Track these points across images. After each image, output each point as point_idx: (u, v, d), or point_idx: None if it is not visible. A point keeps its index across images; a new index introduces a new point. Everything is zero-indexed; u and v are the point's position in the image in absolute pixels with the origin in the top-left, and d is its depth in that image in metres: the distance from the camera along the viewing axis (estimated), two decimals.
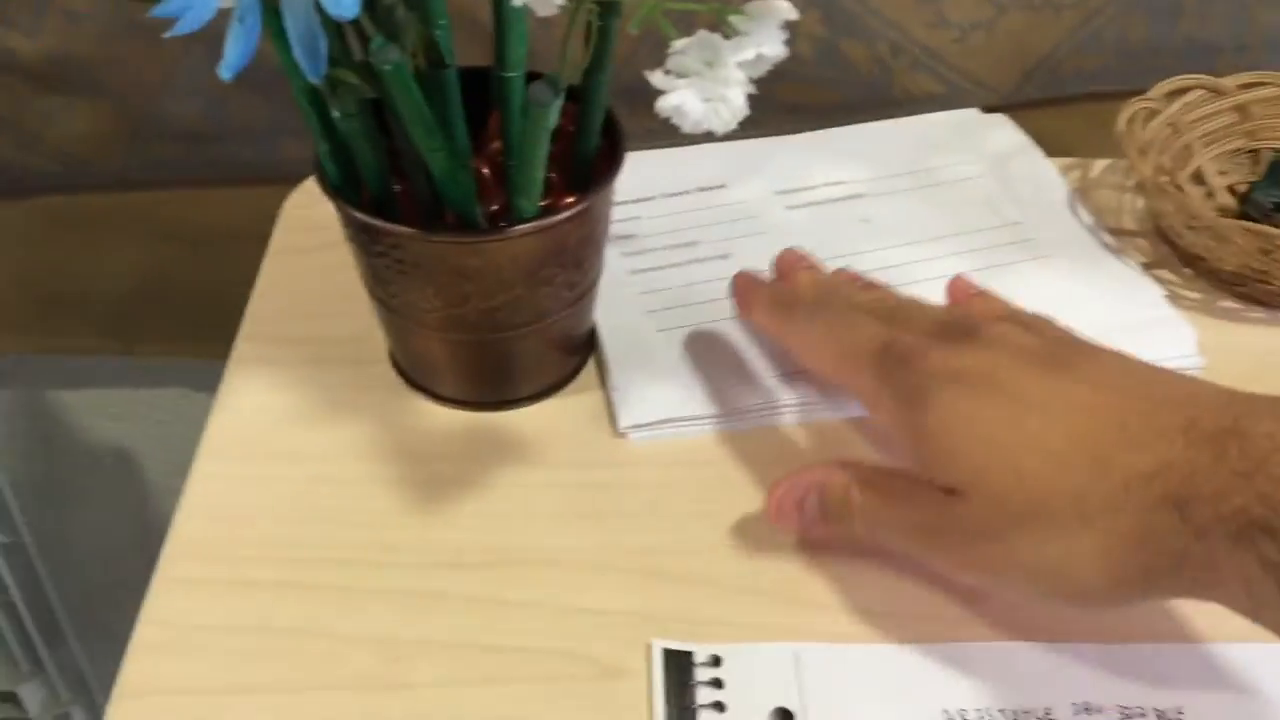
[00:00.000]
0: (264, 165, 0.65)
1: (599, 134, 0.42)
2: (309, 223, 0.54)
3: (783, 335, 0.45)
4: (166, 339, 0.75)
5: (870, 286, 0.45)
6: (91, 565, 0.95)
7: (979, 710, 0.35)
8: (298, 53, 0.32)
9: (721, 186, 0.56)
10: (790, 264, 0.47)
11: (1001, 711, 0.35)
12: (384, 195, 0.41)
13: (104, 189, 0.66)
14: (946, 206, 0.55)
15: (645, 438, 0.45)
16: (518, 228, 0.39)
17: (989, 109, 0.60)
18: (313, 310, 0.50)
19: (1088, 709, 0.35)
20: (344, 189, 0.41)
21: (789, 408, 0.46)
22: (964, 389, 0.36)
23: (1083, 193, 0.56)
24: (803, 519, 0.39)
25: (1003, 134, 0.59)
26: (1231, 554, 0.30)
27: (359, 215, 0.40)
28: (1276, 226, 0.48)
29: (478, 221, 0.40)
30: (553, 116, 0.36)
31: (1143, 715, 0.35)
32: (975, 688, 0.36)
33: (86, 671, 0.92)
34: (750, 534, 0.41)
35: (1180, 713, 0.35)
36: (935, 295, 0.44)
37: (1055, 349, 0.37)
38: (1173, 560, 0.32)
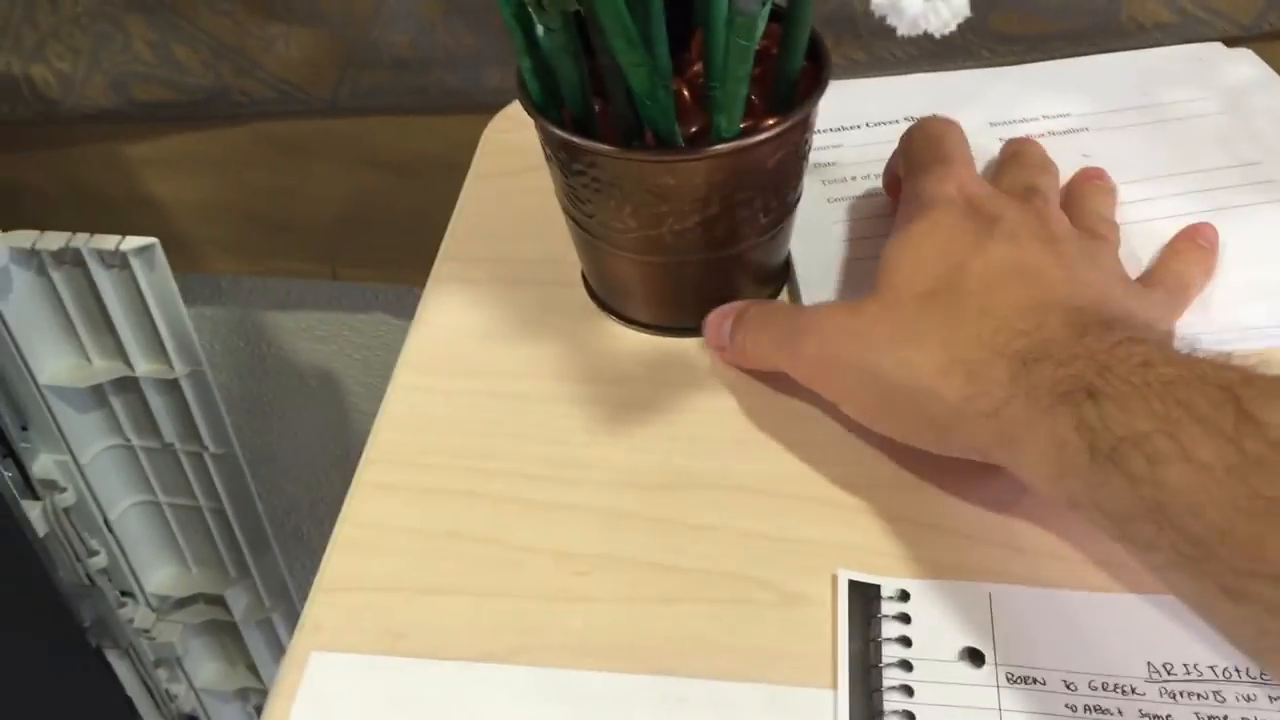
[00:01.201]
0: (469, 93, 0.66)
1: (803, 54, 0.41)
2: (510, 147, 0.55)
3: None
4: (370, 264, 0.78)
5: None
6: (295, 480, 1.00)
7: (1187, 664, 0.33)
8: None
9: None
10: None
11: (1211, 667, 0.33)
12: (584, 114, 0.41)
13: (316, 115, 0.69)
14: (1176, 143, 0.51)
15: None
16: (716, 147, 0.39)
17: (1228, 41, 0.56)
18: (510, 232, 0.51)
19: None
20: (545, 107, 0.41)
21: None
22: (948, 215, 0.39)
23: None
24: (719, 340, 0.43)
25: (1244, 68, 0.54)
26: (1049, 413, 0.32)
27: (559, 132, 0.40)
28: None
29: (676, 141, 0.39)
30: (758, 28, 0.35)
31: None
32: (1183, 640, 0.34)
33: (288, 580, 0.97)
34: (945, 472, 0.40)
35: None
36: (1159, 237, 0.42)
37: (1062, 236, 0.40)
38: (992, 404, 0.34)
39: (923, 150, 0.44)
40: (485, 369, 0.45)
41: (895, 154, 0.47)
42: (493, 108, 0.58)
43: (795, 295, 0.46)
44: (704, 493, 0.40)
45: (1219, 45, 0.55)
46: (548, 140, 0.41)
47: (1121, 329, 0.33)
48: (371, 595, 0.38)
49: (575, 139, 0.39)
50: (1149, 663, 0.33)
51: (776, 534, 0.39)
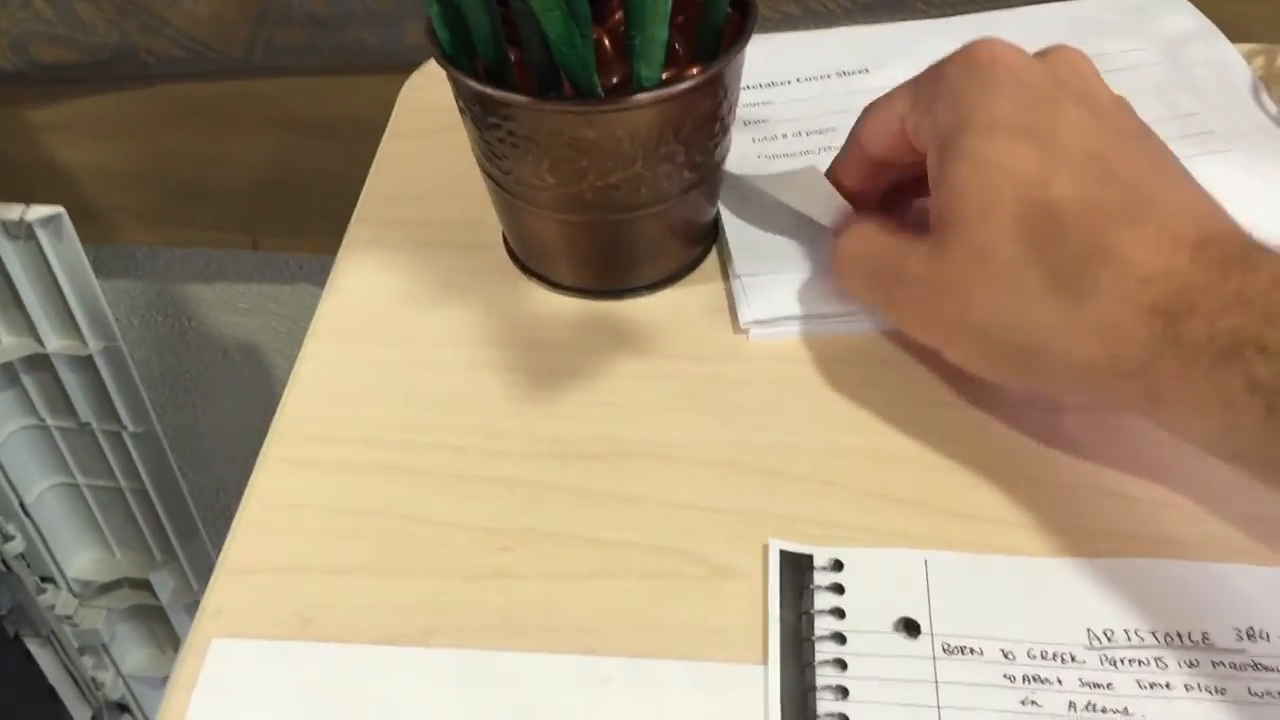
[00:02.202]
0: (389, 51, 0.63)
1: (727, 2, 0.39)
2: (429, 105, 0.53)
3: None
4: (292, 233, 0.75)
5: None
6: (220, 457, 0.97)
7: (1128, 630, 0.32)
8: None
9: (864, 71, 0.52)
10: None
11: (1153, 633, 0.32)
12: (498, 64, 0.39)
13: (229, 76, 0.66)
14: None
15: (767, 334, 0.42)
16: (637, 96, 0.36)
17: None
18: (428, 194, 0.48)
19: (1250, 635, 0.32)
20: (457, 57, 0.39)
21: None
22: (1007, 132, 0.34)
23: (1269, 81, 0.50)
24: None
25: (1180, 17, 0.53)
26: (1212, 371, 0.29)
27: (470, 83, 0.37)
28: None
29: (595, 91, 0.37)
30: None
31: None
32: (1124, 606, 0.33)
33: (216, 562, 0.94)
34: (877, 437, 0.38)
35: None
36: None
37: (1114, 119, 0.36)
38: (1136, 363, 0.31)
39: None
40: (401, 337, 0.43)
41: (844, 156, 0.42)
42: (414, 66, 0.55)
43: (725, 255, 0.44)
44: (632, 462, 0.38)
45: None
46: (460, 92, 0.39)
47: (1264, 263, 0.30)
48: (278, 577, 0.36)
49: (487, 89, 0.37)
50: (1089, 629, 0.32)
51: (706, 504, 0.37)
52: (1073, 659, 0.32)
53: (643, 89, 0.37)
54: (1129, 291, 0.31)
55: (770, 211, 0.45)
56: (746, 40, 0.38)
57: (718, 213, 0.45)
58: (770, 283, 0.43)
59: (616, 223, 0.41)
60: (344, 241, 0.47)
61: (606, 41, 0.41)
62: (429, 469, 0.38)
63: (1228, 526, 0.35)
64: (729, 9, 0.39)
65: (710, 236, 0.45)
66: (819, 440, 0.39)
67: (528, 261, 0.44)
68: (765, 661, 0.33)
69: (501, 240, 0.45)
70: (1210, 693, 0.31)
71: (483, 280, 0.45)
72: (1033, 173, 0.33)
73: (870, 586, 0.34)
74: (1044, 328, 0.33)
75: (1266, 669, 0.31)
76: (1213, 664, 0.31)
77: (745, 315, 0.42)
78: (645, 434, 0.39)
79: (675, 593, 0.35)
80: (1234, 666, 0.31)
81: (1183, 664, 0.31)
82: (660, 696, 0.32)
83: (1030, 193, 0.33)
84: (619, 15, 0.41)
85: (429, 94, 0.53)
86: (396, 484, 0.38)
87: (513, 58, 0.39)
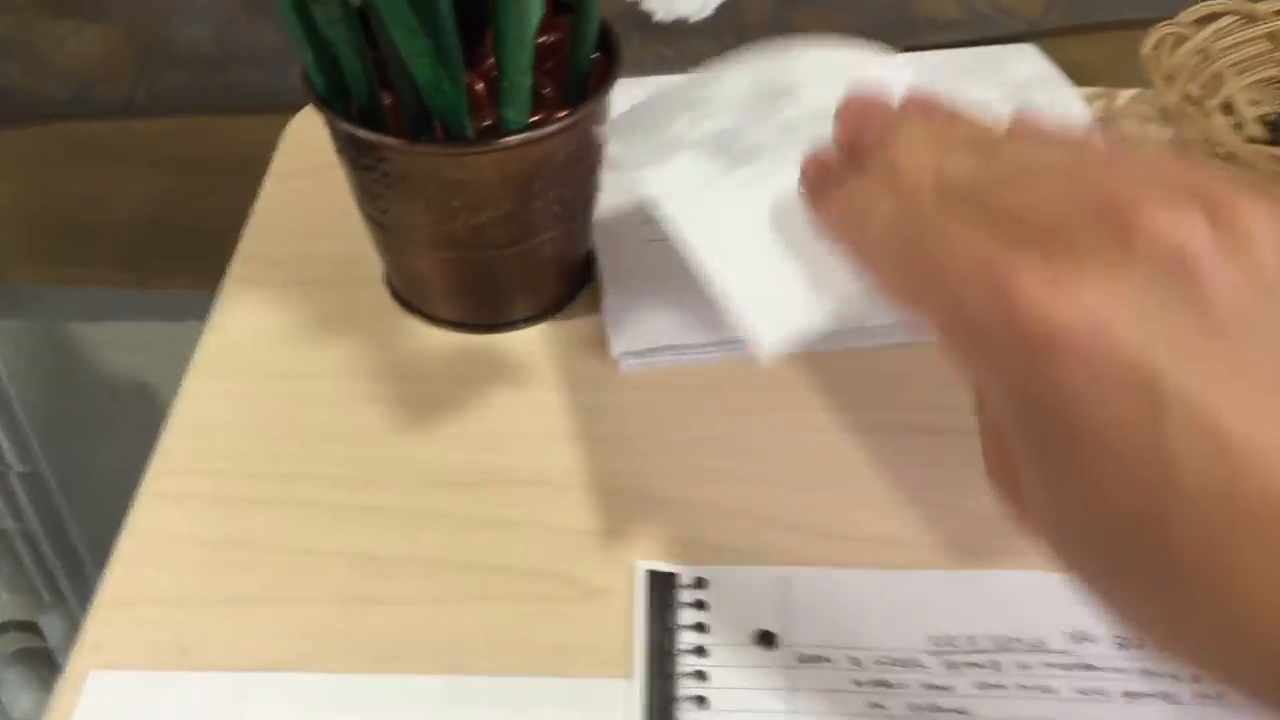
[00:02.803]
0: (274, 92, 0.64)
1: (593, 46, 0.41)
2: (311, 146, 0.53)
3: (860, 261, 0.29)
4: (179, 271, 0.75)
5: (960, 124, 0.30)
6: (110, 497, 0.96)
7: (969, 637, 0.34)
8: None
9: None
10: (856, 129, 0.31)
11: (991, 638, 0.34)
12: (372, 107, 0.40)
13: (114, 116, 0.66)
14: None
15: (639, 365, 0.44)
16: (505, 139, 0.38)
17: (1015, 37, 0.58)
18: (309, 232, 0.49)
19: (1079, 638, 0.34)
20: (332, 100, 0.40)
21: None
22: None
23: (1108, 122, 0.54)
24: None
25: (1027, 63, 0.57)
26: None
27: (345, 126, 0.39)
28: None
29: (465, 133, 0.39)
30: (533, 10, 0.35)
31: (1141, 646, 0.34)
32: (964, 614, 0.35)
33: None
34: (741, 460, 0.40)
35: None
36: None
37: None
38: None
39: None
40: (281, 372, 0.44)
41: None
42: (299, 106, 0.56)
43: (600, 288, 0.46)
44: (507, 489, 0.40)
45: (1002, 47, 0.58)
46: (336, 134, 0.40)
47: None
48: (155, 609, 0.36)
49: (360, 132, 0.38)
50: (930, 636, 0.34)
51: (578, 527, 0.39)
52: (916, 664, 0.34)
53: (510, 132, 0.38)
54: None
55: (643, 246, 0.47)
56: (611, 84, 0.40)
57: (592, 246, 0.47)
58: (641, 315, 0.44)
59: (490, 259, 0.42)
60: (226, 278, 0.48)
61: (480, 86, 0.42)
62: (307, 499, 0.39)
63: None
64: (597, 54, 0.41)
65: (585, 271, 0.47)
66: (685, 465, 0.40)
67: (407, 297, 0.46)
68: (631, 675, 0.34)
69: (381, 277, 0.47)
70: (1041, 691, 0.33)
71: (362, 316, 0.46)
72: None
73: (730, 602, 0.36)
74: None
75: (1094, 669, 0.34)
76: (1045, 665, 0.34)
77: (617, 346, 0.44)
78: (520, 461, 0.41)
79: (546, 613, 0.36)
80: (1064, 667, 0.34)
81: (1017, 666, 0.34)
82: (527, 712, 0.34)
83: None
84: (491, 60, 0.42)
85: (311, 135, 0.54)
86: (274, 515, 0.39)
87: (388, 101, 0.41)
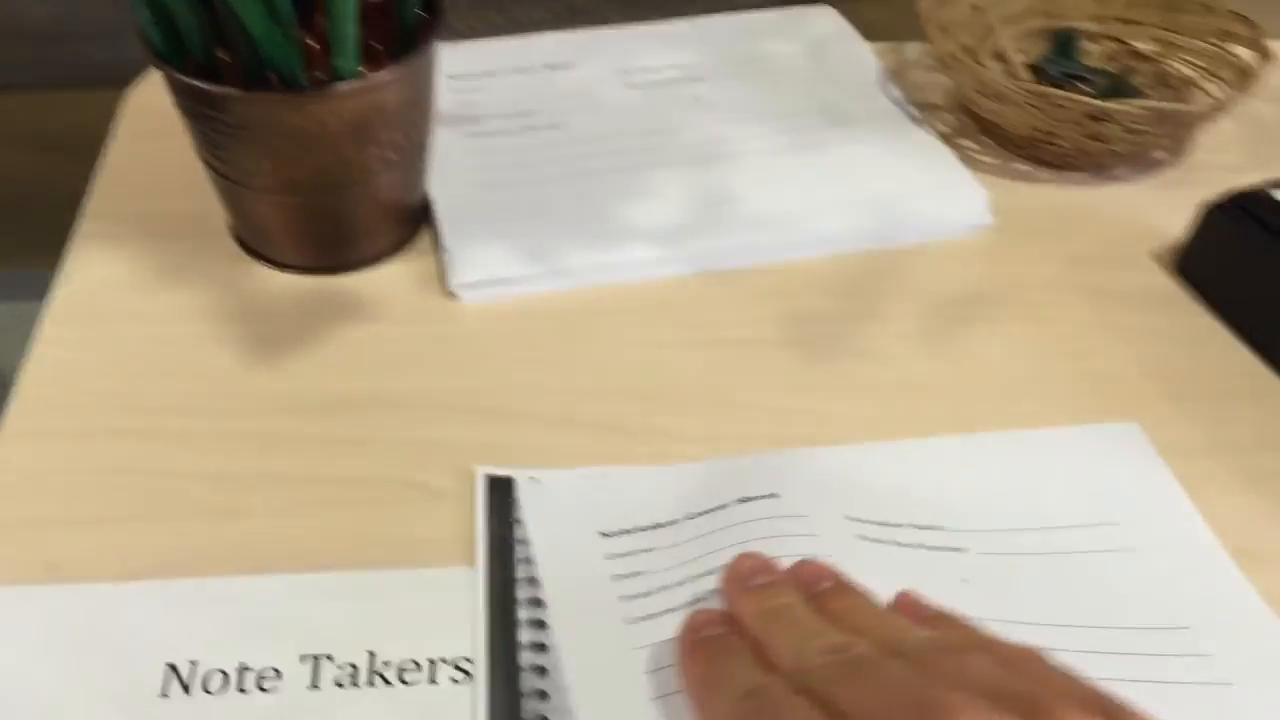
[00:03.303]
0: (114, 66, 0.65)
1: (415, 4, 0.44)
2: (155, 110, 0.55)
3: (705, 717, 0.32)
4: (26, 248, 0.75)
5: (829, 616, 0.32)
6: None
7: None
8: None
9: (568, 66, 0.59)
10: (738, 588, 0.34)
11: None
12: (209, 62, 0.43)
13: None
14: (770, 89, 0.58)
15: (475, 297, 0.47)
16: (337, 86, 0.42)
17: None
18: (155, 191, 0.52)
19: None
20: (170, 57, 0.43)
21: (616, 266, 0.49)
22: None
23: (895, 73, 0.59)
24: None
25: (825, 22, 0.62)
26: None
27: (182, 78, 0.41)
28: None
29: (299, 82, 0.42)
30: None
31: None
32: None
33: None
34: (570, 375, 0.44)
35: None
36: (760, 170, 0.48)
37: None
38: None
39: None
40: (134, 316, 0.46)
41: None
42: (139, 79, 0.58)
43: (437, 230, 0.50)
44: (355, 411, 0.43)
45: (810, 6, 0.63)
46: (175, 89, 0.43)
47: None
48: (21, 531, 0.38)
49: (198, 83, 0.41)
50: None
51: (423, 440, 0.42)
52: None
53: (341, 79, 0.42)
54: None
55: (476, 188, 0.51)
56: (434, 37, 0.44)
57: (428, 193, 0.50)
58: (476, 250, 0.48)
59: (329, 202, 0.45)
60: (75, 234, 0.50)
61: (316, 44, 0.45)
62: (165, 430, 0.42)
63: None
64: (420, 12, 0.45)
65: (421, 216, 0.50)
66: (520, 382, 0.44)
67: (252, 244, 0.48)
68: (475, 565, 0.38)
69: (227, 229, 0.49)
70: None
71: (210, 264, 0.48)
72: None
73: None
74: None
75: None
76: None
77: (454, 278, 0.47)
78: (366, 386, 0.44)
79: (397, 515, 0.40)
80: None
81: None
82: (382, 599, 0.37)
83: None
84: (323, 18, 0.45)
85: (153, 100, 0.56)
86: (135, 445, 0.41)
87: (224, 57, 0.43)
